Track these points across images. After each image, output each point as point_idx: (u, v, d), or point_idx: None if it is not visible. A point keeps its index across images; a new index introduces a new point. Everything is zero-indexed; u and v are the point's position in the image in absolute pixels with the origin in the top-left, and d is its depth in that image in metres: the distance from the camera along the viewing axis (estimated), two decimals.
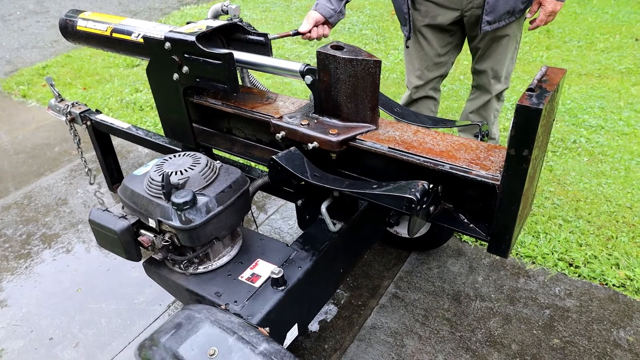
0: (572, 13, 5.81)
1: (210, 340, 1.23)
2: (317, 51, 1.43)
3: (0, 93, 4.68)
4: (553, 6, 2.07)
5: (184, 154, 1.56)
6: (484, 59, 2.36)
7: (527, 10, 2.18)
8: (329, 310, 2.17)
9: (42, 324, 2.19)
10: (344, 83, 1.43)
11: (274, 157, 1.47)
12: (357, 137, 1.48)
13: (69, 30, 2.17)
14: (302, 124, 1.52)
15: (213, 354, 1.19)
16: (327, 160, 1.56)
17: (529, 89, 1.13)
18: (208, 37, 1.72)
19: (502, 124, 3.42)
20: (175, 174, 1.45)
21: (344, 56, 1.39)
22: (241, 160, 2.29)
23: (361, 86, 1.43)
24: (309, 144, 1.48)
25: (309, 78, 1.51)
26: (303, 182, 1.49)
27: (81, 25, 2.10)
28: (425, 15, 2.28)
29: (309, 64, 1.52)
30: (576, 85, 4.09)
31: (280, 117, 1.58)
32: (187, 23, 1.77)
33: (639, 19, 5.49)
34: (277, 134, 1.55)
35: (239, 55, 1.68)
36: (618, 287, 2.20)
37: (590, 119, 3.53)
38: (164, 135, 2.05)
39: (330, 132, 1.47)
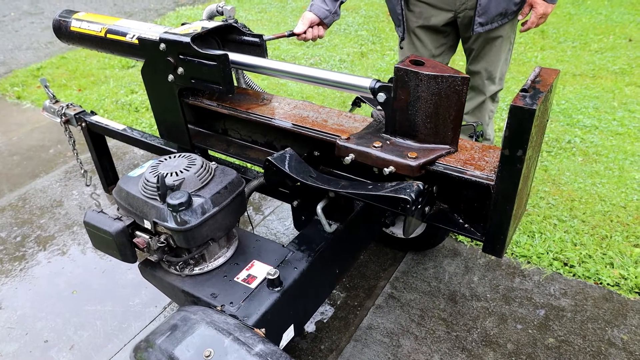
0: (567, 14, 5.84)
1: (206, 341, 1.23)
2: (395, 67, 1.30)
3: None
4: (544, 8, 2.08)
5: (180, 155, 1.56)
6: (477, 60, 2.37)
7: (519, 12, 2.19)
8: (325, 311, 2.17)
9: (37, 326, 2.18)
10: (425, 102, 1.31)
11: (269, 158, 1.47)
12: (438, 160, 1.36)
13: (62, 31, 2.16)
14: (374, 146, 1.38)
15: (209, 356, 1.19)
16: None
17: (523, 90, 1.13)
18: (203, 38, 1.72)
19: (497, 124, 3.44)
20: (171, 175, 1.45)
21: (427, 72, 1.27)
22: (237, 162, 2.28)
23: (444, 105, 1.30)
24: (385, 169, 1.34)
25: (382, 96, 1.37)
26: (298, 183, 1.49)
27: (75, 26, 2.09)
28: (419, 17, 2.29)
29: (379, 80, 1.39)
30: (570, 85, 4.11)
31: (348, 138, 1.44)
32: (182, 24, 1.77)
33: (632, 20, 5.52)
34: (345, 157, 1.41)
35: (302, 70, 1.57)
36: (612, 286, 2.21)
37: (585, 119, 3.55)
38: (159, 136, 2.05)
39: (408, 155, 1.34)
